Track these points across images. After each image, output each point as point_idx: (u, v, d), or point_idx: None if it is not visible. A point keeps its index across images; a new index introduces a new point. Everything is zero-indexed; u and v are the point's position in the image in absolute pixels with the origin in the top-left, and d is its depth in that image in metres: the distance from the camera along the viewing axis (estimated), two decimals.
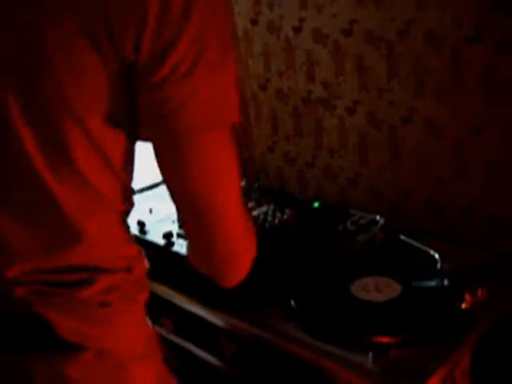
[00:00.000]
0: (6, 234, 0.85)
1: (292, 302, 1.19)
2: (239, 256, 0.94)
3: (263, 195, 1.53)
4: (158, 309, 1.36)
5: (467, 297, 1.15)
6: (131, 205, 0.97)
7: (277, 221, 1.35)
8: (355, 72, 1.66)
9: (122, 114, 0.83)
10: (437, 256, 1.29)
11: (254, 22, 1.85)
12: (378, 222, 1.48)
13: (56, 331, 0.87)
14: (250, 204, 1.48)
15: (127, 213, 0.97)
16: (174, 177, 0.88)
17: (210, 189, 0.86)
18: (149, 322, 1.01)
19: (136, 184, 1.75)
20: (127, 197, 0.95)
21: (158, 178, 1.80)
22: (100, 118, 0.81)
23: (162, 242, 1.31)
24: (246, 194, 1.55)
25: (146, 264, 1.01)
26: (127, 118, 0.83)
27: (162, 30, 0.74)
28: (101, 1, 0.73)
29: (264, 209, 1.43)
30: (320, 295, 1.22)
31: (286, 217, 1.37)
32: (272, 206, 1.44)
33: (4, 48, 0.77)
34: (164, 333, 1.38)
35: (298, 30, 1.75)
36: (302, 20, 1.73)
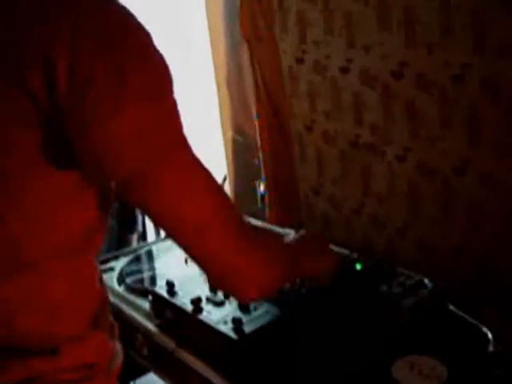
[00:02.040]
0: None
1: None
2: (238, 271, 0.89)
3: None
4: (183, 375, 1.29)
5: None
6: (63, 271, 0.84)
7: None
8: (405, 117, 1.55)
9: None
10: (490, 335, 1.16)
11: (300, 61, 1.77)
12: (426, 286, 1.36)
13: None
14: None
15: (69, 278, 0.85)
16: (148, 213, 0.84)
17: (179, 215, 0.82)
18: None
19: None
20: (51, 255, 0.82)
21: None
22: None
23: (189, 307, 1.23)
24: None
25: (110, 356, 0.91)
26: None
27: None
28: None
29: None
30: (355, 378, 1.11)
31: None
32: None
33: None
34: None
35: (345, 70, 1.65)
36: (349, 60, 1.63)
